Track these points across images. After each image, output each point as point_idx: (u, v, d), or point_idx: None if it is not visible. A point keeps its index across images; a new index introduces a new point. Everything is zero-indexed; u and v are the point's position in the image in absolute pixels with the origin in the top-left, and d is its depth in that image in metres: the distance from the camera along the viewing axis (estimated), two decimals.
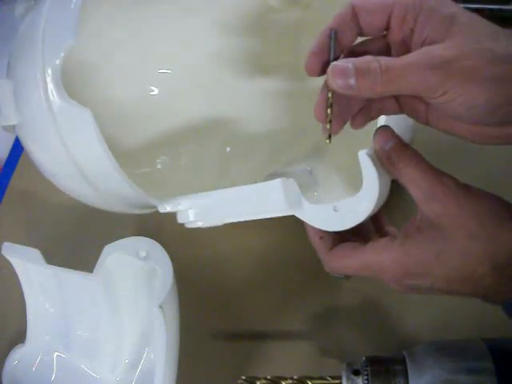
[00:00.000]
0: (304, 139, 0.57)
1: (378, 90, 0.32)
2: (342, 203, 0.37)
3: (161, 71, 0.60)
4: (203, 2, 0.57)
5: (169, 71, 0.60)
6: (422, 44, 0.33)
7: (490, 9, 0.63)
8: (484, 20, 0.33)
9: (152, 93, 0.60)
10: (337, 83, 0.33)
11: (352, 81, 0.32)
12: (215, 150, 0.60)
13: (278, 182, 0.40)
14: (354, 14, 0.34)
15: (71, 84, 0.42)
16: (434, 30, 0.32)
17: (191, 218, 0.45)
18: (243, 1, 0.57)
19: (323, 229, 0.38)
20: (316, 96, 0.36)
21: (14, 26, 0.47)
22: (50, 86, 0.41)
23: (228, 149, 0.60)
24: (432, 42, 0.32)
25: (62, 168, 0.44)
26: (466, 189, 0.34)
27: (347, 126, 0.37)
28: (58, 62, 0.41)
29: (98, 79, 0.57)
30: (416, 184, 0.35)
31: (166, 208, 0.46)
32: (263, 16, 0.58)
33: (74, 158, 0.43)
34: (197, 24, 0.59)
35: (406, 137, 0.43)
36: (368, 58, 0.33)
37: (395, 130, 0.37)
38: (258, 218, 0.42)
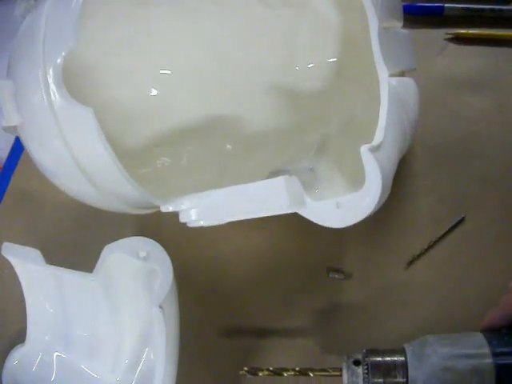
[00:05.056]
0: (305, 138, 0.57)
1: None
2: (345, 199, 0.36)
3: (162, 72, 0.60)
4: (203, 2, 0.57)
5: (169, 72, 0.60)
6: None
7: (490, 9, 0.64)
8: None
9: (152, 94, 0.60)
10: None
11: None
12: (216, 149, 0.60)
13: (280, 179, 0.39)
14: None
15: (71, 85, 0.42)
16: None
17: (193, 218, 0.44)
18: (242, 0, 0.57)
19: (326, 225, 0.38)
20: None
21: (14, 26, 0.47)
22: (52, 87, 0.41)
23: (229, 148, 0.60)
24: None
25: (64, 169, 0.44)
26: None
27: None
28: (59, 61, 0.41)
29: (99, 80, 0.57)
30: None
31: (168, 208, 0.46)
32: (262, 15, 0.58)
33: (76, 158, 0.42)
34: (196, 24, 0.59)
35: (406, 137, 0.43)
36: None
37: (395, 129, 0.36)
38: (260, 216, 0.41)
